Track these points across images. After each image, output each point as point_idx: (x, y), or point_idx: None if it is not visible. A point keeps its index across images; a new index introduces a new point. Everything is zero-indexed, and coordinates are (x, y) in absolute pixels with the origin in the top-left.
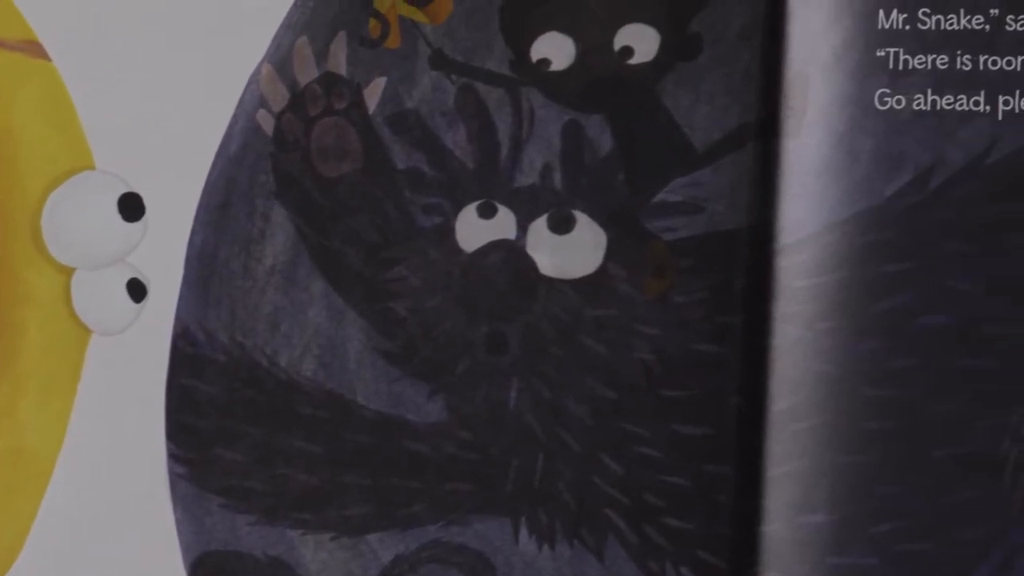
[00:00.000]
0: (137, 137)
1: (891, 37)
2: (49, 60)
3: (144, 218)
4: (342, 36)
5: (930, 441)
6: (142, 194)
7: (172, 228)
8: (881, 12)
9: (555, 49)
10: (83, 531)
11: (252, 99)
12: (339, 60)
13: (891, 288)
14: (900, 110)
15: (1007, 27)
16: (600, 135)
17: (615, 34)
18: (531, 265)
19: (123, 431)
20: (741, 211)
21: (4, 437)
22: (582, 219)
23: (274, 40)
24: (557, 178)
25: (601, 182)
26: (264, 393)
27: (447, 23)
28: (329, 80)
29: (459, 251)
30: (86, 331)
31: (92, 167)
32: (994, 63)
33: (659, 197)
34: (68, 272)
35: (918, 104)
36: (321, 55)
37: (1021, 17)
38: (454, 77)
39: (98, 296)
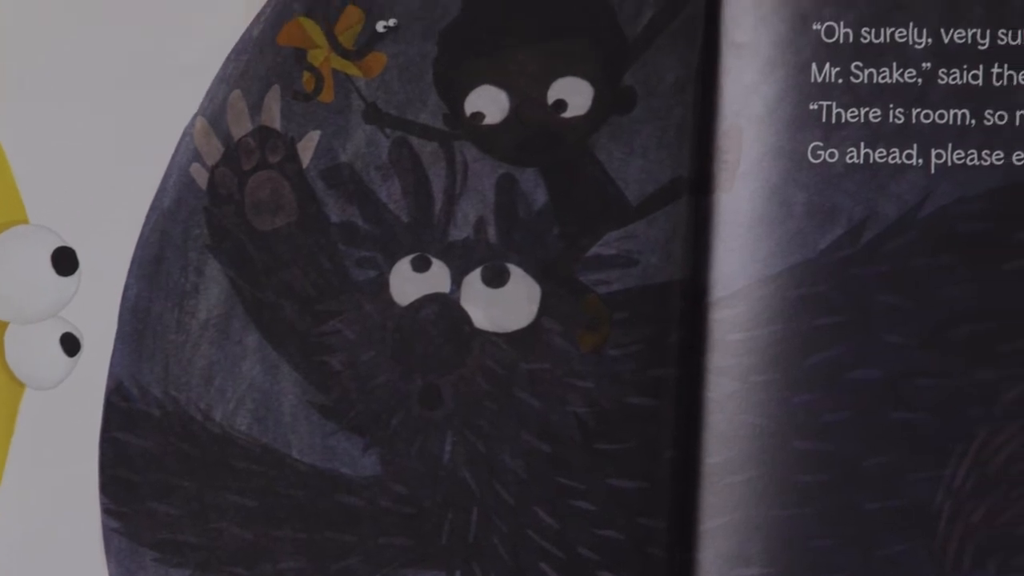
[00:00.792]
0: (71, 191)
1: (824, 90)
2: None
3: (78, 272)
4: (276, 90)
5: (863, 494)
6: (76, 248)
7: (106, 282)
8: (814, 66)
9: (489, 103)
10: None
11: (186, 153)
12: (273, 114)
13: (824, 341)
14: (833, 163)
15: (939, 80)
16: (534, 189)
17: (549, 88)
18: (465, 318)
19: (57, 485)
20: (675, 264)
21: None
22: (516, 272)
23: (208, 94)
24: (491, 231)
25: (535, 235)
26: (198, 447)
27: (381, 77)
28: (263, 134)
29: (393, 305)
30: (19, 385)
31: (25, 221)
32: (926, 116)
33: (593, 250)
34: (1, 326)
35: (851, 157)
36: (255, 109)
37: (953, 71)
38: (388, 131)
39: (31, 350)
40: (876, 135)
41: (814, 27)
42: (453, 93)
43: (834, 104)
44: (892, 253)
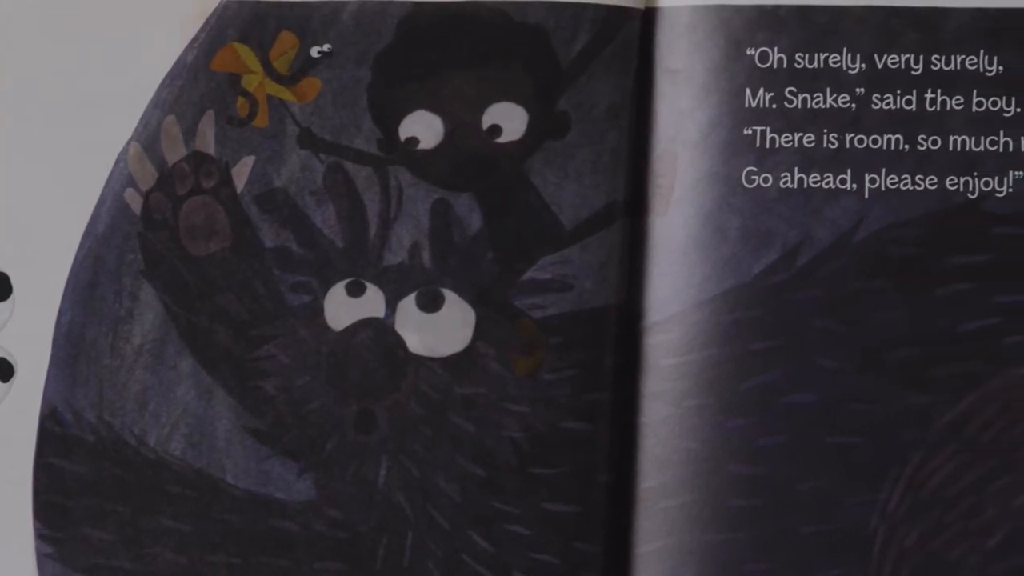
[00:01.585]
0: (4, 216)
1: (758, 116)
2: None
3: (11, 297)
4: (210, 115)
5: (798, 519)
6: (9, 274)
7: (40, 307)
8: (748, 91)
9: (423, 128)
10: None
11: (120, 178)
12: (207, 139)
13: (759, 366)
14: (767, 188)
15: (873, 106)
16: (469, 213)
17: (483, 113)
18: (400, 343)
19: None
20: (610, 289)
21: None
22: (451, 297)
23: (142, 119)
24: (426, 256)
25: (470, 260)
26: (132, 472)
27: (315, 102)
28: (197, 159)
29: (328, 329)
30: None
31: None
32: (860, 141)
33: (528, 275)
34: None
35: (785, 182)
36: (189, 134)
37: (887, 96)
38: (322, 156)
39: None
40: (810, 160)
41: (748, 53)
42: (387, 118)
43: (768, 129)
44: (826, 278)
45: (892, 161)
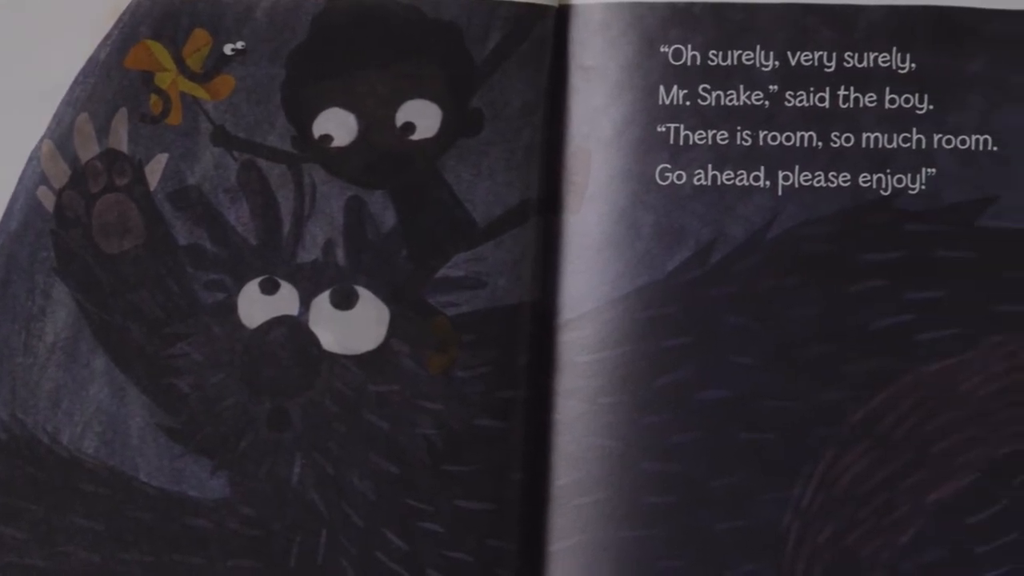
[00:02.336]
0: None
1: (672, 113)
2: None
3: None
4: (123, 113)
5: (712, 515)
6: None
7: None
8: (662, 88)
9: (337, 125)
10: None
11: (33, 176)
12: (120, 137)
13: (672, 363)
14: (681, 185)
15: (786, 103)
16: (383, 211)
17: (397, 110)
18: (314, 341)
19: None
20: (523, 286)
21: None
22: (365, 295)
23: (55, 117)
24: (340, 254)
25: (384, 258)
26: (45, 470)
27: (229, 99)
28: (110, 157)
29: (242, 327)
30: None
31: None
32: (773, 138)
33: (442, 272)
34: None
35: (699, 179)
36: (102, 132)
37: (800, 93)
38: (236, 153)
39: None
40: (723, 157)
41: (662, 50)
42: (301, 116)
43: (682, 126)
44: (740, 274)
45: (805, 158)
